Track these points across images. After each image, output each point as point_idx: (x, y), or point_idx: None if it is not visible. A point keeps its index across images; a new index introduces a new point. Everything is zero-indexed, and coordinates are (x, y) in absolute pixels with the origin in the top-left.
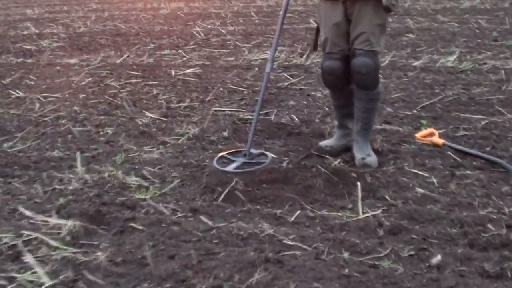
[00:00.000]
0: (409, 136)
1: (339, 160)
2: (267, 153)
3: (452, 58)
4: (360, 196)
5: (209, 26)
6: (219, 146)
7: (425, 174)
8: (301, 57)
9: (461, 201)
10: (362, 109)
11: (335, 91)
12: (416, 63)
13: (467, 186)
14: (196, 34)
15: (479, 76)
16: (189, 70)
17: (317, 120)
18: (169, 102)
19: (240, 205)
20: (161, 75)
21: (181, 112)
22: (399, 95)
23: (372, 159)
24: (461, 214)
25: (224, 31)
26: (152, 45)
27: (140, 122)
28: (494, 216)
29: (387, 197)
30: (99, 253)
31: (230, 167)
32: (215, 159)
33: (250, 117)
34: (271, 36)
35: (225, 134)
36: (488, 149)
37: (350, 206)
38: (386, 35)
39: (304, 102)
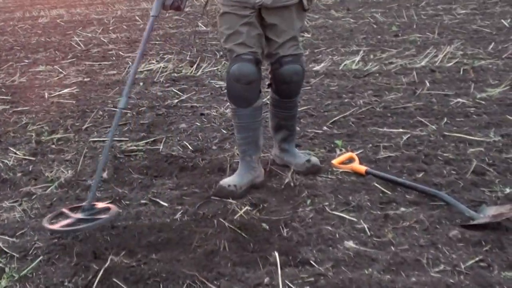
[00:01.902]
0: (324, 162)
1: (246, 205)
2: (113, 206)
3: (355, 59)
4: (278, 263)
5: (90, 35)
6: (97, 194)
7: (353, 218)
8: (191, 66)
9: (404, 257)
10: (286, 118)
11: (243, 106)
12: (317, 67)
13: (406, 232)
14: (75, 45)
15: (389, 78)
16: (65, 90)
17: (214, 147)
18: (40, 134)
19: None
20: (33, 99)
21: (53, 146)
22: (304, 108)
23: (316, 158)
24: (409, 279)
25: (106, 40)
26: (26, 61)
27: (2, 165)
28: (452, 280)
29: (312, 261)
30: None
31: (59, 225)
32: (51, 215)
33: (134, 147)
34: (157, 42)
35: (104, 175)
36: (419, 175)
37: (266, 280)
38: None
39: (198, 123)
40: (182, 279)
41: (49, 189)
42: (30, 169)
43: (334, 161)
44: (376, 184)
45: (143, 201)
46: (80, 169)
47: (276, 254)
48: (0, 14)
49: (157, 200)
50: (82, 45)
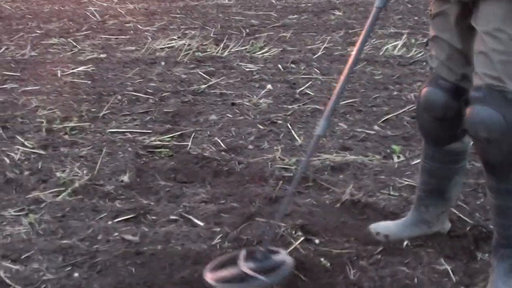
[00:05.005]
0: (382, 173)
1: (297, 229)
2: (287, 257)
3: (396, 43)
4: None
5: (105, 4)
6: (117, 204)
7: (431, 256)
8: (217, 45)
9: None
10: (494, 208)
11: (430, 143)
12: None
13: None
14: (91, 16)
15: None
16: (80, 68)
17: (250, 147)
18: (51, 121)
19: None
20: (44, 77)
21: (65, 137)
22: (349, 101)
23: None
24: None
25: (123, 11)
26: (38, 32)
27: (7, 160)
28: None
29: None
30: None
31: (218, 276)
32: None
33: (159, 142)
34: (177, 15)
35: (125, 178)
36: None
37: None
38: None
39: (229, 115)
40: None
41: (61, 196)
42: (40, 166)
43: None
44: (454, 210)
45: (172, 217)
46: (97, 170)
47: None
48: None
49: (190, 217)
50: (97, 16)
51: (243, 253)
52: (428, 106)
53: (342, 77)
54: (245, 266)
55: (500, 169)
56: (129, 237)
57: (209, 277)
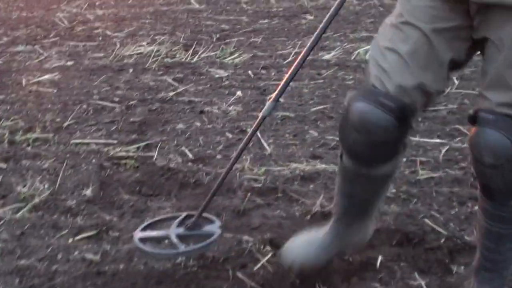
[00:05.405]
0: None
1: (266, 244)
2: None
3: (368, 47)
4: None
5: (74, 10)
6: (79, 220)
7: (405, 270)
8: (186, 51)
9: None
10: (484, 231)
11: (357, 163)
12: (328, 56)
13: None
14: (59, 22)
15: None
16: (45, 77)
17: (218, 156)
18: (14, 132)
19: None
20: (9, 85)
21: (28, 149)
22: (320, 108)
23: None
24: None
25: (91, 17)
26: (5, 39)
27: None
28: None
29: None
30: None
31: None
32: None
33: (124, 153)
34: (147, 21)
35: (88, 192)
36: (476, 207)
37: None
38: None
39: (197, 123)
40: None
41: (21, 212)
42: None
43: None
44: (427, 221)
45: None
46: (59, 184)
47: None
48: None
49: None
50: (66, 22)
51: (181, 216)
52: (364, 129)
53: (300, 57)
54: (172, 231)
55: (499, 196)
56: (90, 256)
57: (137, 233)
